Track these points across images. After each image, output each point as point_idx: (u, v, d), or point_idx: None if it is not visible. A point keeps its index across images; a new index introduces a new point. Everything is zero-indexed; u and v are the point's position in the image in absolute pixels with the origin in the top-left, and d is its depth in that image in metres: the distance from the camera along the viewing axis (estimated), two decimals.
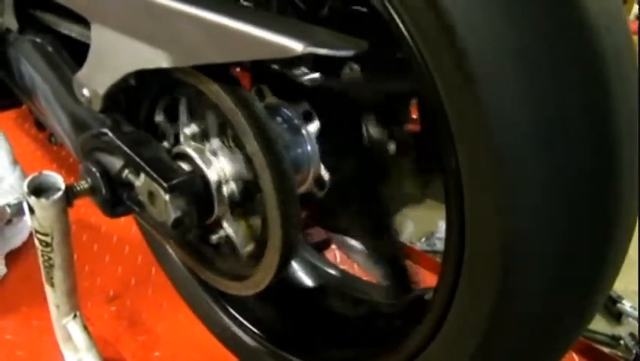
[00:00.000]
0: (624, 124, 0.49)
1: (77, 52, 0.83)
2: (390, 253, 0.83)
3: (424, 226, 2.57)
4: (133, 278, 1.30)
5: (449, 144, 0.51)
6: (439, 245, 2.42)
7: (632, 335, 2.24)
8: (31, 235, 1.25)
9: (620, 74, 0.48)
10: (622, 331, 2.27)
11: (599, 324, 2.28)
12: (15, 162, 1.30)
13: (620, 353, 2.20)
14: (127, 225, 1.37)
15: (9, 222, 1.21)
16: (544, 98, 0.47)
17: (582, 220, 0.51)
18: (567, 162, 0.49)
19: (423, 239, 2.59)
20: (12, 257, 1.28)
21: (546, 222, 0.50)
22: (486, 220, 0.52)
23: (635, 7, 3.62)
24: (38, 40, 0.92)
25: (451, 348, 0.63)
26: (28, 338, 1.14)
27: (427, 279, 1.34)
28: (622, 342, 2.22)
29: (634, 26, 3.26)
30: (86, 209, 1.43)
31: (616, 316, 2.32)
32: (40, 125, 1.43)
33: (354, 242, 1.12)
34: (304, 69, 0.68)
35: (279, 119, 0.73)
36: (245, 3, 0.81)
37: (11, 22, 0.97)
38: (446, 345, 0.64)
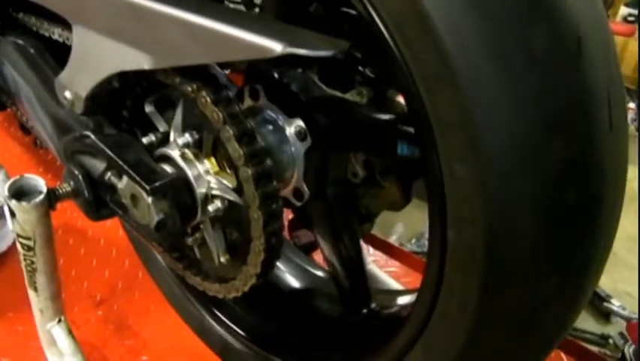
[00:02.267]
0: (606, 117, 0.49)
1: (61, 54, 0.82)
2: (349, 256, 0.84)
3: (414, 227, 2.57)
4: (120, 282, 1.29)
5: (430, 143, 0.51)
6: None
7: (621, 334, 2.26)
8: None
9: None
10: (611, 330, 2.28)
11: (588, 323, 2.29)
12: None
13: (609, 353, 2.21)
14: (114, 228, 1.36)
15: None
16: (526, 96, 0.47)
17: (566, 216, 0.51)
18: (551, 156, 0.49)
19: (413, 240, 2.59)
20: None
21: (529, 219, 0.50)
22: (469, 219, 0.52)
23: (622, 9, 3.67)
24: (20, 42, 0.91)
25: (437, 348, 0.63)
26: (13, 343, 1.13)
27: (416, 280, 1.35)
28: (611, 341, 2.23)
29: (620, 28, 3.30)
30: (72, 212, 1.42)
31: (605, 315, 2.33)
32: (25, 129, 1.42)
33: None
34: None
35: (263, 120, 0.73)
36: (229, 4, 0.81)
37: None
38: (431, 345, 0.64)
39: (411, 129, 0.62)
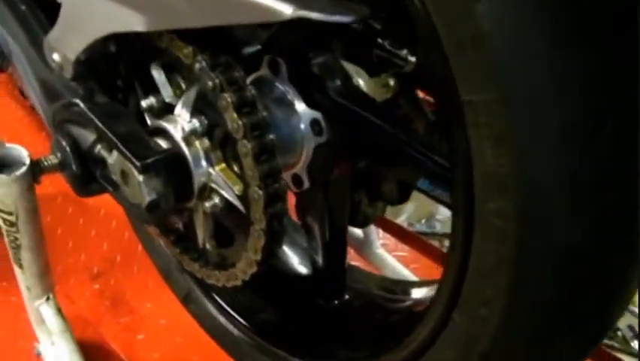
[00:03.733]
0: None
1: (54, 12, 0.76)
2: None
3: (423, 207, 2.51)
4: (119, 255, 1.25)
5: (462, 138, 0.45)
6: (439, 227, 2.36)
7: (630, 326, 2.21)
8: None
9: None
10: (620, 322, 2.23)
11: None
12: None
13: (617, 345, 2.16)
14: None
15: None
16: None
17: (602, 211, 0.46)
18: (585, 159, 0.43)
19: (423, 220, 2.53)
20: None
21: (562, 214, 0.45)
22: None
23: None
24: None
25: (460, 345, 0.57)
26: (5, 314, 1.10)
27: (425, 267, 1.29)
28: (620, 333, 2.18)
29: None
30: None
31: None
32: (23, 93, 1.36)
33: None
34: None
35: (271, 94, 0.66)
36: None
37: None
38: (454, 342, 0.58)
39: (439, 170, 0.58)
